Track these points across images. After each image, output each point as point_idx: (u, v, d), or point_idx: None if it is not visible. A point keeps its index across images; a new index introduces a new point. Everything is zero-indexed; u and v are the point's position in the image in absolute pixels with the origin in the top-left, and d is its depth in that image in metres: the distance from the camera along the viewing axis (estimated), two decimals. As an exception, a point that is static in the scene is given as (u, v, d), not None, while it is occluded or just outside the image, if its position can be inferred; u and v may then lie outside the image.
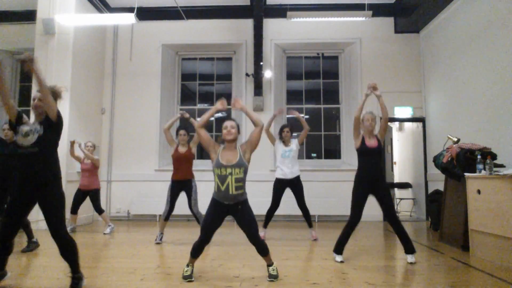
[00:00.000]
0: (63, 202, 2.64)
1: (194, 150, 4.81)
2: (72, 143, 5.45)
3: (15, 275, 3.09)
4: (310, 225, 4.91)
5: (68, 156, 5.93)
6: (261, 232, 4.54)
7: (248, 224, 2.95)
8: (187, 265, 3.03)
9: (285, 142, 5.00)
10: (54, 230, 2.54)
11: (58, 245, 2.57)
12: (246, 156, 2.94)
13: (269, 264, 3.03)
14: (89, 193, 5.46)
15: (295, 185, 4.85)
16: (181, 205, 4.95)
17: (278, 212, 4.99)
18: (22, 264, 3.46)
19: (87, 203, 5.63)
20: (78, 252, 2.67)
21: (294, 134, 5.17)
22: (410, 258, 3.56)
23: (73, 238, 2.67)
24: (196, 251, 2.98)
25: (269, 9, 7.15)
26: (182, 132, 4.75)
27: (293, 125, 5.36)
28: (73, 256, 2.62)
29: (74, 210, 5.41)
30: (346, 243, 3.66)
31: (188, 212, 6.23)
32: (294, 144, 4.99)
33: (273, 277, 2.95)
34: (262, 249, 3.00)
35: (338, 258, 3.63)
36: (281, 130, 5.04)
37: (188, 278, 2.93)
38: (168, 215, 4.58)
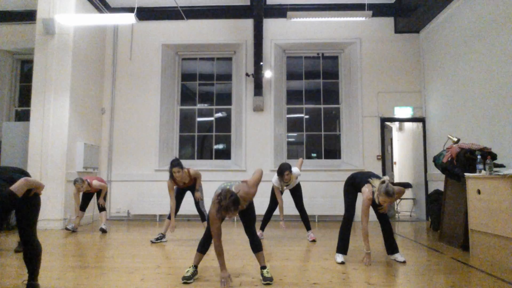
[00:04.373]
0: (37, 207, 2.58)
1: (198, 181, 4.72)
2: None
3: (15, 275, 3.10)
4: (308, 228, 4.89)
5: (67, 156, 5.94)
6: (258, 232, 4.56)
7: (248, 216, 3.02)
8: (191, 266, 3.02)
9: (286, 182, 4.66)
10: (25, 232, 2.51)
11: (24, 248, 2.53)
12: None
13: (263, 266, 2.98)
14: (98, 192, 5.54)
15: (295, 190, 4.88)
16: (182, 205, 4.95)
17: (278, 212, 4.98)
18: (21, 264, 3.46)
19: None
20: (40, 259, 2.62)
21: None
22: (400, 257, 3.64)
23: (40, 244, 2.62)
24: (204, 245, 3.02)
25: (269, 9, 7.15)
26: (175, 169, 4.40)
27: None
28: (36, 262, 2.58)
29: (83, 207, 5.53)
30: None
31: (188, 212, 6.27)
32: (295, 177, 4.75)
33: (268, 280, 2.86)
34: (256, 245, 2.99)
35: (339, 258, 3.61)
36: (281, 174, 4.55)
37: (186, 279, 2.88)
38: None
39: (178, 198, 4.70)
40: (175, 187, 4.65)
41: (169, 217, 4.66)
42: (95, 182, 5.37)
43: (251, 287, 2.80)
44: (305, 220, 4.87)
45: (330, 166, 7.14)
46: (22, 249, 3.83)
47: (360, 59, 7.21)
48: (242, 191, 2.85)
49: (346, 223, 3.65)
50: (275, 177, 4.73)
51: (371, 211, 3.71)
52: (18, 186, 2.35)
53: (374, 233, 5.46)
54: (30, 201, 2.52)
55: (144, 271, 3.23)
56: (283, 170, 4.54)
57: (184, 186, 4.66)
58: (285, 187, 4.77)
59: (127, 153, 7.20)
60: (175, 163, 4.43)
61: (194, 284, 2.87)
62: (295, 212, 5.00)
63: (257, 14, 6.64)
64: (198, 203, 4.73)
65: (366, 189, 3.42)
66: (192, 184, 4.70)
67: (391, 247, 3.68)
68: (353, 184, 3.71)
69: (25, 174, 2.65)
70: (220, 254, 2.82)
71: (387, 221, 3.69)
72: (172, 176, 4.45)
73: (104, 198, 5.52)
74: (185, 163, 7.31)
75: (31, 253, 2.55)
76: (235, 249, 4.22)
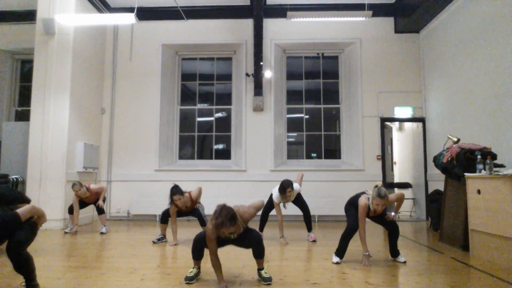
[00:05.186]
0: (33, 234, 2.56)
1: (198, 199, 4.68)
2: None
3: (14, 275, 3.10)
4: (309, 229, 4.88)
5: (67, 156, 5.94)
6: None
7: (249, 242, 2.92)
8: (194, 267, 3.00)
9: (287, 199, 4.62)
10: (14, 250, 2.43)
11: (12, 262, 2.46)
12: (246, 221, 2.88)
13: (261, 268, 2.96)
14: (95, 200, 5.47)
15: (296, 199, 4.86)
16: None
17: (275, 212, 4.95)
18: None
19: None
20: (34, 264, 2.57)
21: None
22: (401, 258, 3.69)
23: (29, 253, 2.55)
24: (196, 253, 2.95)
25: (269, 9, 7.15)
26: (176, 197, 4.37)
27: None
28: (29, 269, 2.53)
29: (71, 211, 5.37)
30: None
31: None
32: (296, 192, 4.72)
33: (268, 280, 2.87)
34: (259, 251, 2.91)
35: (335, 259, 3.62)
36: (284, 191, 4.50)
37: (188, 279, 2.89)
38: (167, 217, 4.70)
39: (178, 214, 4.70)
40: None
41: (162, 222, 4.68)
42: (93, 186, 5.32)
43: (251, 287, 2.80)
44: (308, 221, 4.87)
45: (330, 166, 7.15)
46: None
47: (360, 59, 7.21)
48: (242, 209, 2.83)
49: (348, 233, 3.62)
50: (276, 194, 4.68)
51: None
52: (24, 211, 2.42)
53: (374, 233, 5.46)
54: (29, 226, 2.53)
55: (144, 271, 3.23)
56: (286, 187, 4.49)
57: (186, 210, 4.62)
58: (285, 204, 4.76)
59: (127, 153, 7.21)
60: (175, 191, 4.38)
61: (195, 285, 2.87)
62: (295, 212, 5.00)
63: (257, 14, 6.64)
64: (198, 209, 4.71)
65: (362, 198, 3.53)
66: (194, 208, 4.71)
67: (393, 252, 3.71)
68: (352, 203, 3.72)
69: (26, 200, 2.65)
70: (217, 268, 2.78)
71: (395, 229, 3.67)
72: (173, 202, 4.43)
73: (104, 201, 5.48)
74: (185, 163, 7.40)
75: (19, 264, 2.48)
76: (235, 249, 4.21)
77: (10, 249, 2.44)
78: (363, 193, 3.61)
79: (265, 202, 4.94)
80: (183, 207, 4.52)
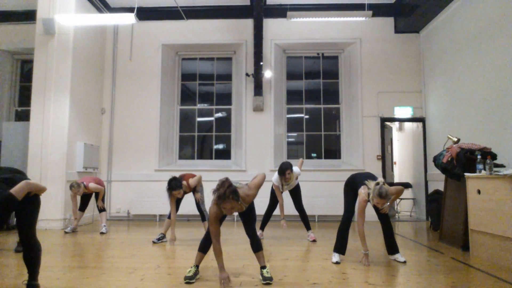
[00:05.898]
0: (37, 207, 2.57)
1: (197, 186, 4.76)
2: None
3: (15, 275, 3.10)
4: (308, 228, 4.88)
5: (67, 156, 5.94)
6: (258, 232, 4.56)
7: (248, 215, 2.99)
8: (193, 266, 3.02)
9: (287, 182, 4.64)
10: (24, 233, 2.48)
11: (24, 248, 2.50)
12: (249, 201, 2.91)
13: (262, 266, 2.97)
14: (97, 193, 5.50)
15: (294, 190, 4.88)
16: (181, 205, 4.97)
17: (278, 212, 4.97)
18: (21, 264, 3.46)
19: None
20: (40, 257, 2.60)
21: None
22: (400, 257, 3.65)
23: (40, 243, 2.60)
24: (205, 245, 3.01)
25: (269, 9, 7.15)
26: (175, 192, 4.44)
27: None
28: (36, 262, 2.56)
29: (82, 208, 5.54)
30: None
31: (188, 212, 6.27)
32: (296, 177, 4.73)
33: (268, 280, 2.86)
34: (256, 244, 2.95)
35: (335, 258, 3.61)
36: (283, 173, 4.55)
37: (188, 279, 2.89)
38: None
39: (177, 201, 4.73)
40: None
41: (169, 217, 4.68)
42: (91, 185, 5.31)
43: (251, 287, 2.80)
44: (305, 220, 4.87)
45: (330, 166, 7.15)
46: (22, 249, 3.80)
47: (360, 59, 7.21)
48: (242, 192, 2.83)
49: (345, 224, 3.66)
50: (275, 176, 4.72)
51: (373, 212, 3.72)
52: (18, 189, 2.34)
53: (374, 233, 5.46)
54: (30, 201, 2.49)
55: (144, 271, 3.23)
56: (285, 169, 4.54)
57: (185, 194, 4.74)
58: (285, 187, 4.76)
59: (127, 153, 7.20)
60: (175, 186, 4.39)
61: (195, 284, 2.87)
62: (296, 212, 4.99)
63: (257, 14, 6.64)
64: (199, 203, 4.77)
65: (362, 190, 3.45)
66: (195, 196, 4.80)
67: (392, 248, 3.69)
68: (352, 185, 3.72)
69: (22, 174, 2.62)
70: (218, 255, 2.80)
71: (388, 221, 3.69)
72: (172, 194, 4.48)
73: (103, 200, 5.48)
74: (185, 163, 7.40)
75: (30, 253, 2.53)
76: (235, 249, 4.22)
77: (20, 233, 2.47)
78: (365, 179, 3.49)
79: (269, 200, 4.94)
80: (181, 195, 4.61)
